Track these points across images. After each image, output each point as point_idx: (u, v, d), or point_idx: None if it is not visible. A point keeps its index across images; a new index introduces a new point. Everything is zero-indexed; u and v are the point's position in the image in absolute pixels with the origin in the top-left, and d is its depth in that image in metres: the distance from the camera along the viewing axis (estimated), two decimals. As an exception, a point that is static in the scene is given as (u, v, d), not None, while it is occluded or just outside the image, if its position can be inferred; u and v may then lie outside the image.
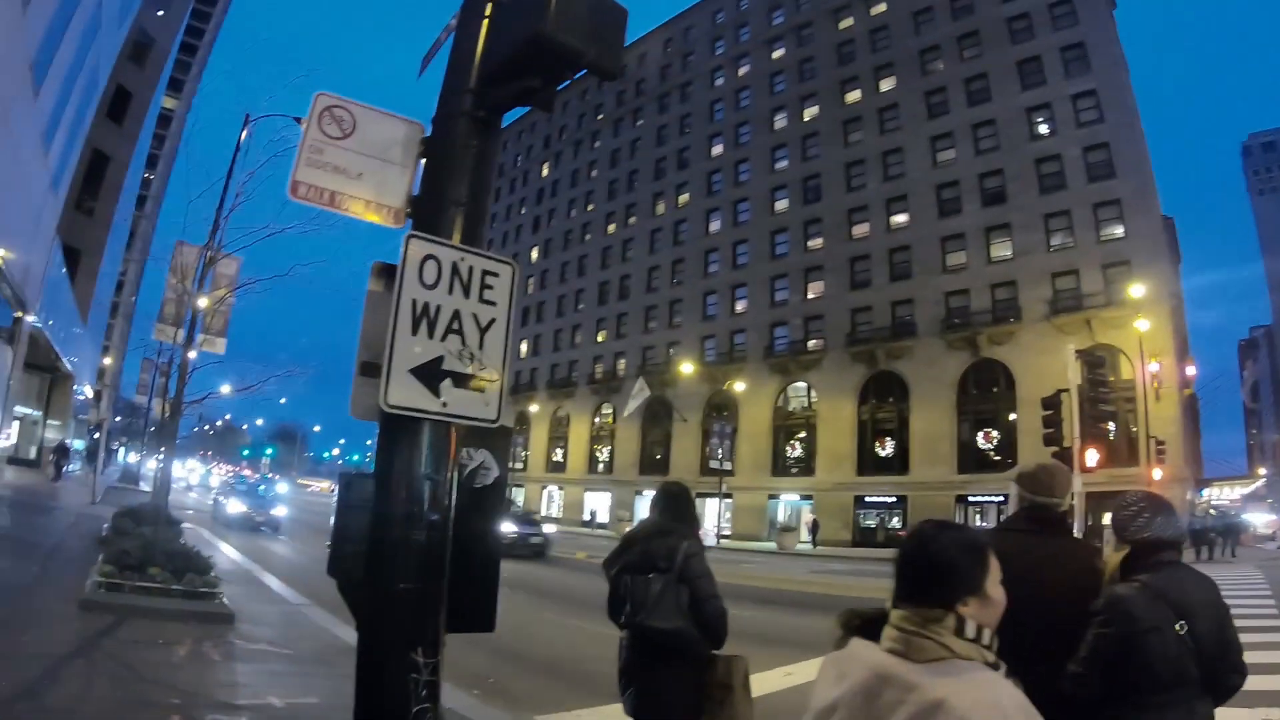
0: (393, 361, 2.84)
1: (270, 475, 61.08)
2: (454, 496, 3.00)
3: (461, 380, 2.97)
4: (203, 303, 12.82)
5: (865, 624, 1.79)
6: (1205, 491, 54.49)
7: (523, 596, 14.90)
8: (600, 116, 78.23)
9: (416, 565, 2.81)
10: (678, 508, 4.27)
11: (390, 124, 3.45)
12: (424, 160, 3.39)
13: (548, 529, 25.13)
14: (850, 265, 53.15)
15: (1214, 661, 2.68)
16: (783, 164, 59.61)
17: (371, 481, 2.96)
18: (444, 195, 3.21)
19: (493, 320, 3.10)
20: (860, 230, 53.32)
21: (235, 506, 27.84)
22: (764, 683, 5.37)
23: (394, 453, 2.91)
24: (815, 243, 55.65)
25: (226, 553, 17.37)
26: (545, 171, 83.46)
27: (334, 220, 9.81)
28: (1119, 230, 42.10)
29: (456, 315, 3.01)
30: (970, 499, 42.71)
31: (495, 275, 3.14)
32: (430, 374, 2.90)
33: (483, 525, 3.24)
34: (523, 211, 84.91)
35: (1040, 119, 46.44)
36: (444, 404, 2.91)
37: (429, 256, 2.99)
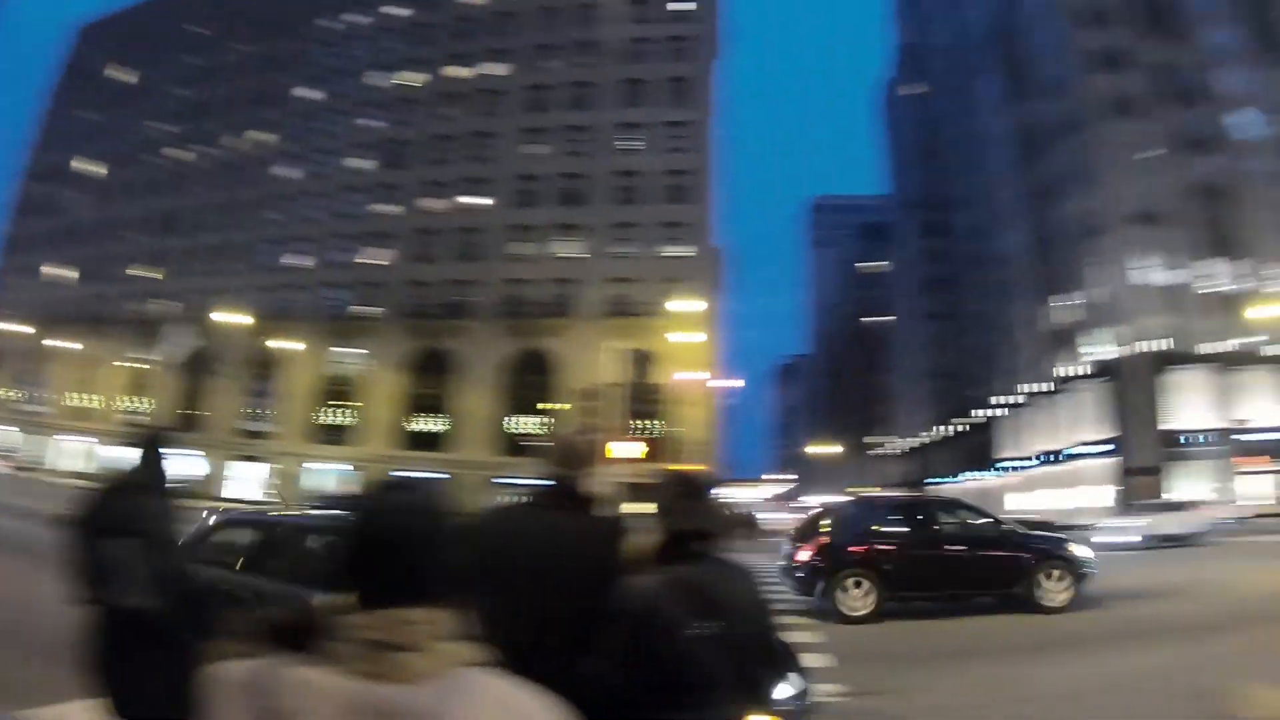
0: None
1: None
2: None
3: None
4: None
5: (293, 633, 1.17)
6: (726, 491, 61.12)
7: (16, 562, 11.08)
8: (194, 29, 68.41)
9: None
10: (149, 457, 3.51)
11: None
12: None
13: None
14: (418, 237, 53.06)
15: (747, 663, 2.41)
16: (370, 122, 57.90)
17: None
18: None
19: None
20: (435, 204, 53.35)
21: None
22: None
23: None
24: (387, 208, 54.83)
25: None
26: (124, 76, 71.77)
27: None
28: (678, 250, 46.80)
29: None
30: (506, 481, 42.84)
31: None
32: None
33: None
34: (88, 115, 71.15)
35: (631, 136, 50.15)
36: None
37: None
